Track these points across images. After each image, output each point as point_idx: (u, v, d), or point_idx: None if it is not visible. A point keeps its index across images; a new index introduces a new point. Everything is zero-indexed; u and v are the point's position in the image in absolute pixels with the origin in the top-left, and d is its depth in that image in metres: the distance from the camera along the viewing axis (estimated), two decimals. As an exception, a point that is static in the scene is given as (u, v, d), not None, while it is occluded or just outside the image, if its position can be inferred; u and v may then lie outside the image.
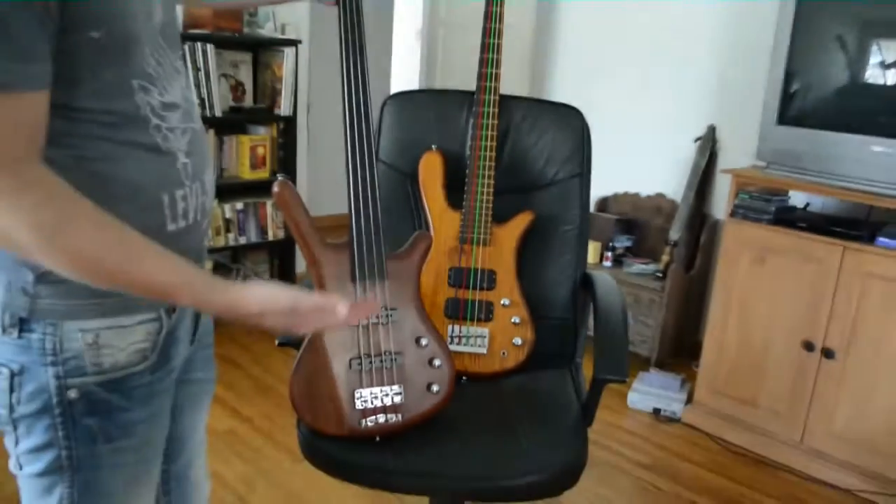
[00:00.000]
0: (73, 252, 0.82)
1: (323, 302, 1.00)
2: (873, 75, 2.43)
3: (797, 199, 2.80)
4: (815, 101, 2.55)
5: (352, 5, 1.38)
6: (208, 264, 3.44)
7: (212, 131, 3.33)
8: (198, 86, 3.18)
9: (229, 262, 3.64)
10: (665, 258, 3.23)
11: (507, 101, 1.88)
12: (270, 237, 3.62)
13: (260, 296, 0.94)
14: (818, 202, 2.80)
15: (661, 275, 3.21)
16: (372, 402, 1.41)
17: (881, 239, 2.34)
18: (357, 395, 1.40)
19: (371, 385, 1.41)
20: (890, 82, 2.40)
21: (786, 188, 2.62)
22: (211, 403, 1.26)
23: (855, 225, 2.47)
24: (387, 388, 1.42)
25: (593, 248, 3.39)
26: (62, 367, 0.91)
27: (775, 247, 2.56)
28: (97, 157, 0.88)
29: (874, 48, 2.42)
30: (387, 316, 1.42)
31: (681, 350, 3.33)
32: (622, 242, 3.45)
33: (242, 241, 3.51)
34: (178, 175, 0.97)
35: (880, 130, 2.36)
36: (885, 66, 2.41)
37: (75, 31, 0.80)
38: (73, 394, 0.92)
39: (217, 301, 0.93)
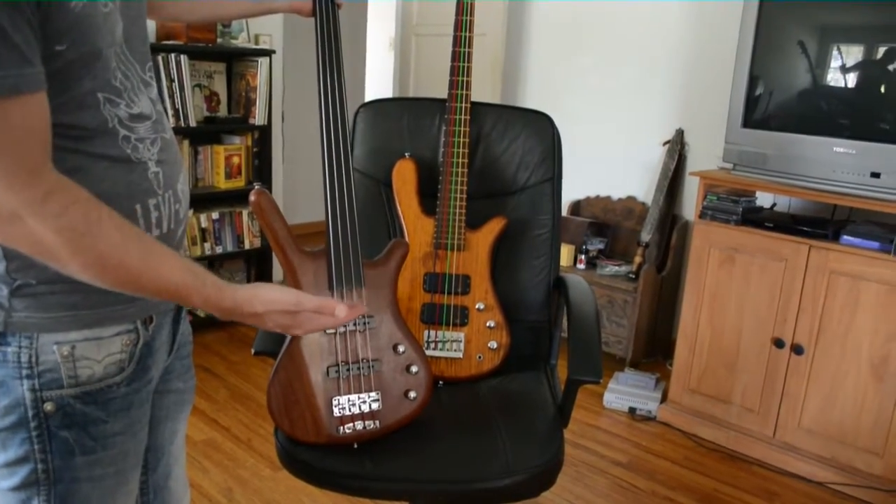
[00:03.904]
0: (98, 254, 0.83)
1: (324, 303, 1.04)
2: (834, 78, 2.48)
3: (764, 199, 2.84)
4: (778, 104, 2.59)
5: (328, 17, 1.38)
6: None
7: (186, 141, 3.31)
8: (172, 96, 3.15)
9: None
10: (637, 259, 3.26)
11: (478, 108, 1.89)
12: (247, 246, 3.60)
13: (265, 297, 0.98)
14: (784, 202, 2.85)
15: (633, 276, 3.24)
16: (350, 410, 1.40)
17: (845, 237, 2.39)
18: (335, 402, 1.39)
19: (349, 392, 1.40)
20: (850, 85, 2.45)
21: (752, 189, 2.66)
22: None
23: (820, 224, 2.51)
24: (364, 396, 1.41)
25: (567, 251, 3.41)
26: (38, 379, 0.90)
27: (743, 246, 2.59)
28: (66, 169, 0.87)
29: (834, 52, 2.47)
30: (364, 323, 1.42)
31: (655, 349, 3.36)
32: (595, 245, 3.48)
33: (219, 250, 3.49)
34: (150, 184, 0.97)
35: (842, 132, 2.41)
36: (844, 69, 2.45)
37: (41, 43, 0.79)
38: (49, 407, 0.91)
39: (226, 301, 0.95)
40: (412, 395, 1.46)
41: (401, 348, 1.45)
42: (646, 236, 3.24)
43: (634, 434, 2.78)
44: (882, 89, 2.40)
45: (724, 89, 2.81)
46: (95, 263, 0.84)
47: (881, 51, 2.37)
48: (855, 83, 2.44)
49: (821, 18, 2.49)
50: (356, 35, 5.43)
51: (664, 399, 2.91)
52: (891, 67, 2.35)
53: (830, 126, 2.44)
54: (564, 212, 3.59)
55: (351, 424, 1.41)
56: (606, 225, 3.55)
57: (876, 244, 2.32)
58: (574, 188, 3.65)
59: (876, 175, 2.32)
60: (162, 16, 1.27)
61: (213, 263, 3.63)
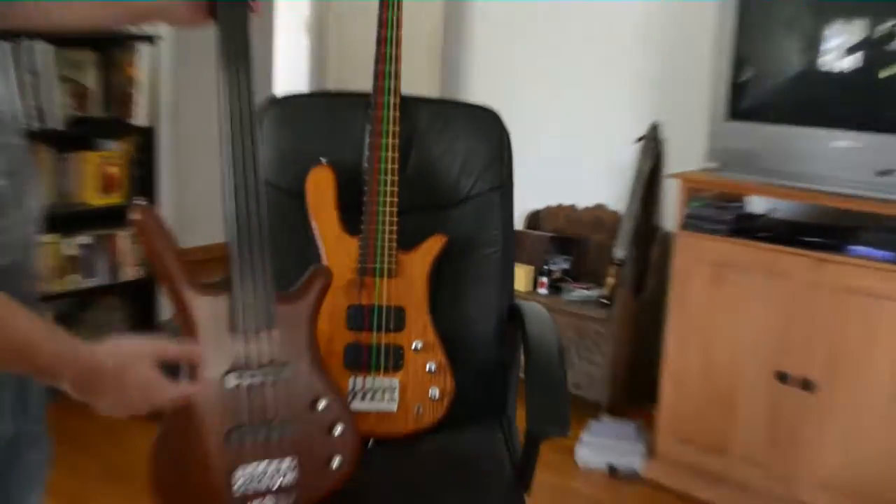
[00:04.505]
0: None
1: (191, 349, 1.11)
2: (831, 60, 2.53)
3: (757, 204, 2.89)
4: (768, 91, 2.65)
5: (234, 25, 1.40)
6: (48, 314, 3.31)
7: (49, 148, 3.24)
8: (33, 92, 3.09)
9: (76, 312, 3.51)
10: (610, 280, 3.28)
11: (410, 103, 1.89)
12: (125, 278, 3.52)
13: (118, 348, 1.02)
14: (782, 208, 2.90)
15: (606, 301, 3.26)
16: (256, 484, 1.37)
17: (855, 247, 2.43)
18: (237, 475, 1.36)
19: (255, 461, 1.37)
20: (851, 67, 2.51)
21: (743, 193, 2.71)
22: (48, 494, 1.21)
23: (826, 232, 2.56)
24: (275, 466, 1.38)
25: (525, 273, 3.42)
26: None
27: (735, 262, 2.63)
28: None
29: (831, 29, 2.53)
30: (275, 373, 1.39)
31: (637, 391, 3.37)
32: (559, 264, 3.50)
33: (90, 283, 3.41)
34: None
35: (843, 123, 2.46)
36: (845, 49, 2.51)
37: None
38: None
39: (81, 358, 0.98)
40: (336, 461, 1.44)
41: (321, 404, 1.43)
42: (620, 252, 3.27)
43: (616, 497, 2.79)
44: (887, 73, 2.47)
45: (704, 76, 2.86)
46: None
47: (885, 27, 2.43)
48: (855, 65, 2.50)
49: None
50: (263, 15, 5.41)
51: (650, 452, 2.93)
52: (897, 46, 2.42)
53: (829, 116, 2.50)
54: (520, 225, 3.61)
55: (258, 502, 1.37)
56: (571, 239, 3.58)
57: (890, 254, 2.37)
58: (531, 196, 3.67)
59: (884, 173, 2.38)
60: (14, 22, 1.23)
61: (83, 300, 3.54)
